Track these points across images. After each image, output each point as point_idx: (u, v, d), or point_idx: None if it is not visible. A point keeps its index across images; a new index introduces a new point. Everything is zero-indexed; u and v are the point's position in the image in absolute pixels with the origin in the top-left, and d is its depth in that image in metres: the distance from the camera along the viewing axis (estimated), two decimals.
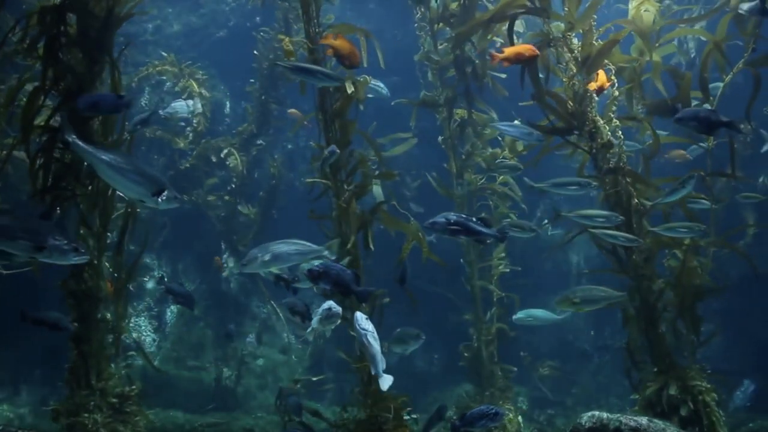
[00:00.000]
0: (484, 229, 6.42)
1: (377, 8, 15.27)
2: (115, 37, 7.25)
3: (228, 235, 13.65)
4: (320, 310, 6.02)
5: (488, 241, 6.49)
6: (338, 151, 6.86)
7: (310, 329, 6.14)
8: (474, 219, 6.50)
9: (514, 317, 10.07)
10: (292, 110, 13.36)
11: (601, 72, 7.31)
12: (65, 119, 6.04)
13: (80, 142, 5.77)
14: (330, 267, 5.92)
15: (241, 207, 13.69)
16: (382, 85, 10.67)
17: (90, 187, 7.19)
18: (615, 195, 7.66)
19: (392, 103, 10.89)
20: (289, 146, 15.26)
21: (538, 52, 7.57)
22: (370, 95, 10.65)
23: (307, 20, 6.91)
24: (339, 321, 6.17)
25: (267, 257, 6.39)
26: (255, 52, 13.68)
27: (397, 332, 7.77)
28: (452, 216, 6.44)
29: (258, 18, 15.13)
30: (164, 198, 5.61)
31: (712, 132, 7.18)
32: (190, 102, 12.53)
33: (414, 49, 10.64)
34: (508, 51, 7.66)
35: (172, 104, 12.16)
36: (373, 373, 5.47)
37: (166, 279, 12.24)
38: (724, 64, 7.84)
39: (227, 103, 15.33)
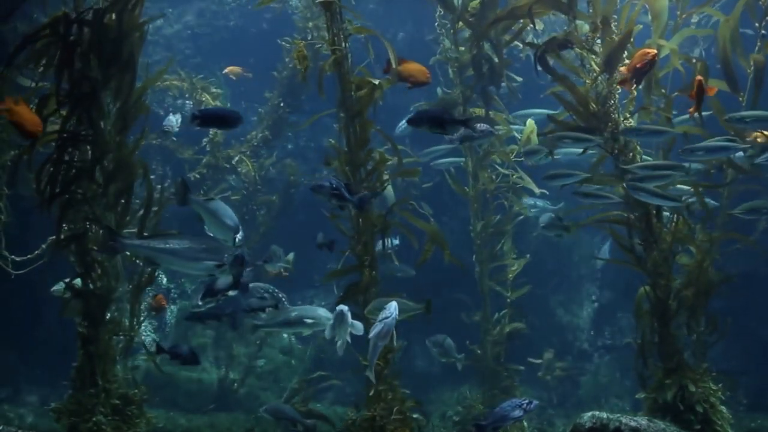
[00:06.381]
0: (347, 195, 6.37)
1: (377, 8, 15.25)
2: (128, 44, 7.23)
3: None
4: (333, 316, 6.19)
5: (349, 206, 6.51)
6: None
7: (339, 343, 6.22)
8: (345, 184, 6.46)
9: None
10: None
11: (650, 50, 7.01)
12: (184, 184, 6.61)
13: (194, 198, 6.64)
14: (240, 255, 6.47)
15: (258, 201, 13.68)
16: None
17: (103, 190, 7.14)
18: None
19: (411, 108, 10.63)
20: (290, 146, 15.21)
21: None
22: None
23: (330, 18, 6.92)
24: (353, 324, 6.22)
25: None
26: (287, 59, 13.46)
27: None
28: (333, 181, 6.42)
29: (265, 24, 15.02)
30: (239, 239, 6.87)
31: (447, 131, 7.07)
32: (178, 117, 12.52)
33: (415, 50, 10.62)
34: None
35: (169, 117, 12.18)
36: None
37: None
38: (740, 48, 7.61)
39: (228, 104, 15.25)
